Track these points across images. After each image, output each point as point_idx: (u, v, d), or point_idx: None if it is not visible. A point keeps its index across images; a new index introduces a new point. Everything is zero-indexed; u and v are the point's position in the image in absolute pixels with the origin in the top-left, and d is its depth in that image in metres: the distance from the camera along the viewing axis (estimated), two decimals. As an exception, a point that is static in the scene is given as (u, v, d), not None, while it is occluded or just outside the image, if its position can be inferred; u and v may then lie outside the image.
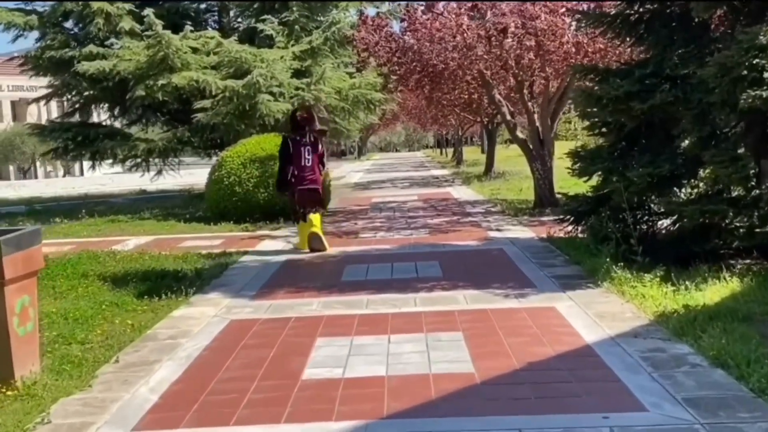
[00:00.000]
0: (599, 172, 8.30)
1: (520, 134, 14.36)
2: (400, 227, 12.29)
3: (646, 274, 6.83)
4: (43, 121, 24.06)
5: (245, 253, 10.03)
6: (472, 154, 46.88)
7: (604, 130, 8.66)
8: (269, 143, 14.14)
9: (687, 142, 7.98)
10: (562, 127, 29.02)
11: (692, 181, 7.97)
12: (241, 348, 5.49)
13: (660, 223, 8.42)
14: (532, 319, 5.94)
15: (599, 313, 6.00)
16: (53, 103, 37.93)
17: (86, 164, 29.20)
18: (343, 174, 32.25)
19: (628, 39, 8.82)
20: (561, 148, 15.24)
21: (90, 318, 6.55)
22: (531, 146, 13.79)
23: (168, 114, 19.20)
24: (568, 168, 8.67)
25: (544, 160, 13.57)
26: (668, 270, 6.88)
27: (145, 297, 7.29)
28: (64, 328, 6.24)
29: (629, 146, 8.30)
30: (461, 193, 18.99)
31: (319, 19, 18.25)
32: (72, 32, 18.70)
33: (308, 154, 10.23)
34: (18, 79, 38.38)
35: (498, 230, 11.27)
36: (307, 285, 7.68)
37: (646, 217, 8.44)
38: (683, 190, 8.00)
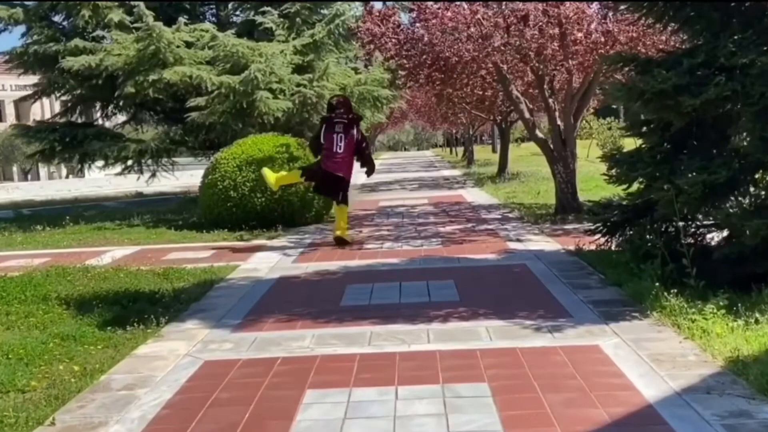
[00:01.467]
0: (640, 179, 7.15)
1: (539, 133, 13.19)
2: (409, 236, 11.16)
3: (702, 302, 5.70)
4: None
5: (235, 267, 8.93)
6: (483, 153, 45.72)
7: (644, 129, 7.53)
8: (267, 144, 13.06)
9: (745, 143, 6.84)
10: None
11: (750, 189, 6.84)
12: (210, 405, 4.37)
13: (709, 237, 7.31)
14: (572, 363, 4.81)
15: (655, 356, 4.87)
16: (57, 103, 36.89)
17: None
18: (350, 175, 31.11)
19: (671, 24, 7.68)
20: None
21: (38, 356, 5.46)
22: (552, 147, 12.63)
23: (162, 113, 18.08)
24: (604, 174, 7.53)
25: (566, 162, 12.42)
26: (730, 297, 5.74)
27: (110, 327, 6.19)
28: (5, 370, 5.14)
29: (675, 148, 7.14)
30: (474, 196, 17.82)
31: (322, 11, 17.11)
32: (60, 26, 17.60)
33: (340, 141, 10.32)
34: (22, 78, 37.39)
35: (518, 241, 10.13)
36: (300, 311, 6.56)
37: (692, 230, 7.30)
38: (740, 199, 6.85)
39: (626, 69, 7.47)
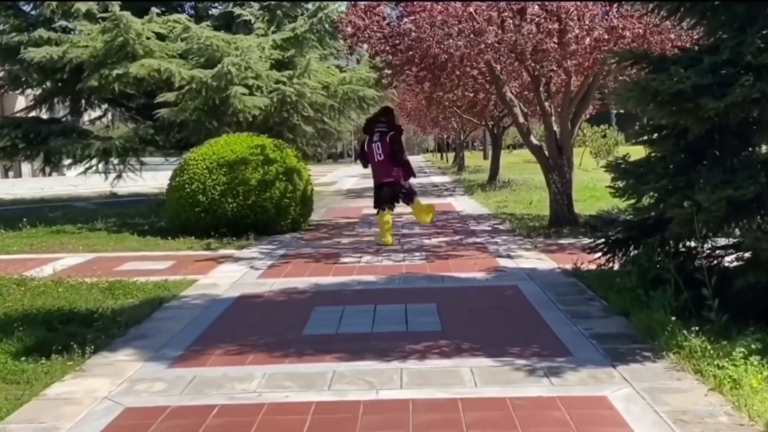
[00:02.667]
0: (652, 193, 6.24)
1: (534, 140, 12.29)
2: (390, 249, 10.23)
3: (728, 342, 4.81)
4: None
5: (192, 282, 7.97)
6: (474, 159, 44.95)
7: (655, 136, 6.63)
8: (241, 145, 12.11)
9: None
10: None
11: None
12: (114, 476, 3.42)
13: (728, 260, 6.41)
14: (576, 422, 3.88)
15: (677, 414, 3.95)
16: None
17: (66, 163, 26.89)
18: (336, 179, 30.15)
19: (688, 18, 6.78)
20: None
21: (-74, 396, 4.49)
22: (547, 154, 11.72)
23: (134, 110, 17.10)
24: (610, 186, 6.60)
25: (562, 171, 11.50)
26: (762, 338, 4.82)
27: (28, 356, 5.21)
28: None
29: (692, 158, 6.25)
30: (464, 205, 16.91)
31: (305, 6, 16.17)
32: (29, 15, 16.57)
33: (378, 149, 10.49)
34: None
35: (509, 257, 9.21)
36: (254, 341, 5.61)
37: (707, 252, 6.40)
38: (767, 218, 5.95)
39: (637, 67, 6.54)
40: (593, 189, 18.32)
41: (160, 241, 11.34)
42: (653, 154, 6.67)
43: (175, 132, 14.82)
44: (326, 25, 15.64)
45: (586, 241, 9.35)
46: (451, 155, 51.12)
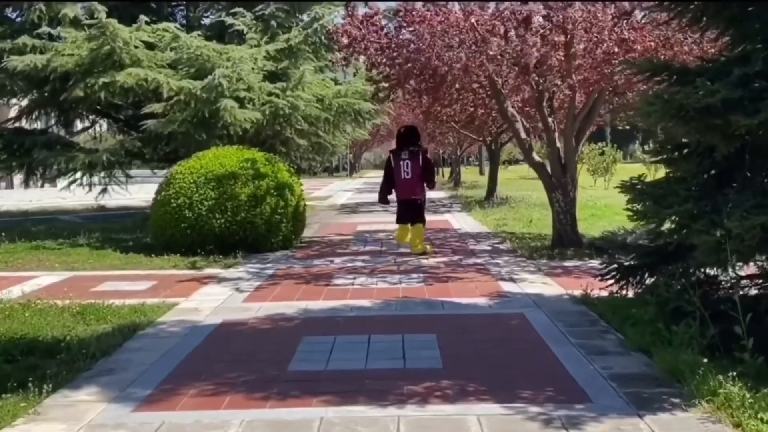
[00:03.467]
0: (674, 217, 5.70)
1: (536, 156, 11.75)
2: (386, 269, 9.65)
3: (766, 388, 4.26)
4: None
5: (172, 306, 7.38)
6: (470, 175, 44.49)
7: (676, 155, 6.11)
8: (231, 158, 11.56)
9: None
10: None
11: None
12: None
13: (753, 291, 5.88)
14: (602, 488, 3.31)
15: (719, 478, 3.38)
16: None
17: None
18: (330, 193, 29.60)
19: (711, 28, 6.27)
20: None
21: None
22: (550, 172, 11.19)
23: (122, 121, 16.53)
24: (627, 209, 6.06)
25: (566, 190, 10.96)
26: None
27: (-23, 395, 4.63)
28: None
29: (716, 180, 5.73)
30: (461, 222, 16.34)
31: (300, 17, 15.66)
32: (15, 22, 16.00)
33: (407, 167, 10.85)
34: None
35: (512, 280, 8.65)
36: (234, 378, 5.03)
37: (732, 282, 5.85)
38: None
39: (656, 79, 5.99)
40: (593, 207, 17.84)
41: (143, 259, 10.76)
42: (673, 175, 6.16)
43: (163, 144, 14.25)
44: (321, 37, 15.15)
45: (593, 263, 8.90)
46: (447, 170, 50.63)
